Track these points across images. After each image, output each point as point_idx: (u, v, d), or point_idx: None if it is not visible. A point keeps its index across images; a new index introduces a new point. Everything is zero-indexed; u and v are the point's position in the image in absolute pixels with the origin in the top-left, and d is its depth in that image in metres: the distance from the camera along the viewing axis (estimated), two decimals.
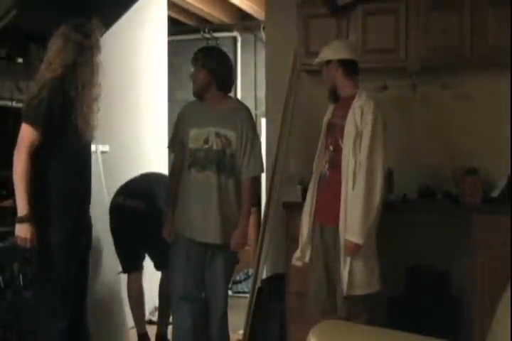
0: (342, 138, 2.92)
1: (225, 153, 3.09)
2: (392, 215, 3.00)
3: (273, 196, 3.89)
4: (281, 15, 4.09)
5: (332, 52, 3.03)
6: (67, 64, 2.66)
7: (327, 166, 3.00)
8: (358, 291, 2.87)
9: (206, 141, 3.09)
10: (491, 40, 3.43)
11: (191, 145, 3.11)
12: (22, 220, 2.57)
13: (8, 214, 3.32)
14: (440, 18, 3.50)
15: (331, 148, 2.99)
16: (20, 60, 3.28)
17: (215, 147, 3.08)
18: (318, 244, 3.01)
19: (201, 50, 3.26)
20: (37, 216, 2.62)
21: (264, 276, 4.02)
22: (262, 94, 5.71)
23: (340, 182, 2.89)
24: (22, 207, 2.56)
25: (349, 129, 2.89)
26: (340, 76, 3.01)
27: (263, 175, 5.61)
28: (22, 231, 2.57)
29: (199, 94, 3.17)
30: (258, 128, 6.57)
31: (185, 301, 3.15)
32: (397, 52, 3.58)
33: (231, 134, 3.10)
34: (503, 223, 3.17)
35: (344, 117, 2.94)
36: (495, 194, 3.47)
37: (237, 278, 5.82)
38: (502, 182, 3.47)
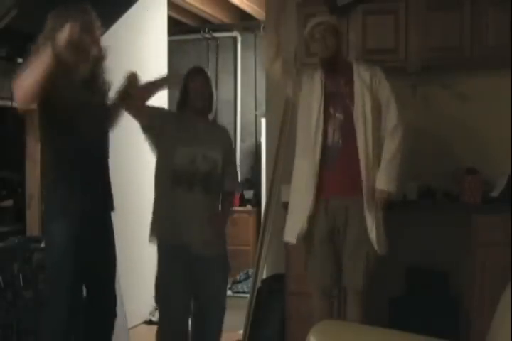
0: (354, 104, 2.94)
1: (211, 173, 3.02)
2: (392, 215, 3.00)
3: (273, 196, 3.89)
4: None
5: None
6: None
7: (338, 135, 2.95)
8: (385, 250, 2.91)
9: (192, 162, 2.99)
10: (491, 40, 3.43)
11: (175, 160, 2.99)
12: None
13: (8, 214, 3.33)
14: (440, 18, 3.50)
15: (341, 116, 2.95)
16: (20, 60, 3.28)
17: (201, 168, 2.99)
18: (323, 220, 2.95)
19: (195, 69, 3.19)
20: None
21: (264, 276, 4.02)
22: (262, 94, 5.71)
23: (357, 148, 2.90)
24: None
25: (362, 92, 2.93)
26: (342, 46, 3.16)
27: (263, 175, 5.64)
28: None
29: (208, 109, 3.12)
30: (258, 128, 6.61)
31: (174, 312, 3.02)
32: (397, 52, 3.58)
33: (217, 156, 3.04)
34: (503, 223, 3.18)
35: (348, 84, 2.97)
36: (495, 194, 3.47)
37: (237, 278, 5.83)
38: (502, 182, 3.48)
